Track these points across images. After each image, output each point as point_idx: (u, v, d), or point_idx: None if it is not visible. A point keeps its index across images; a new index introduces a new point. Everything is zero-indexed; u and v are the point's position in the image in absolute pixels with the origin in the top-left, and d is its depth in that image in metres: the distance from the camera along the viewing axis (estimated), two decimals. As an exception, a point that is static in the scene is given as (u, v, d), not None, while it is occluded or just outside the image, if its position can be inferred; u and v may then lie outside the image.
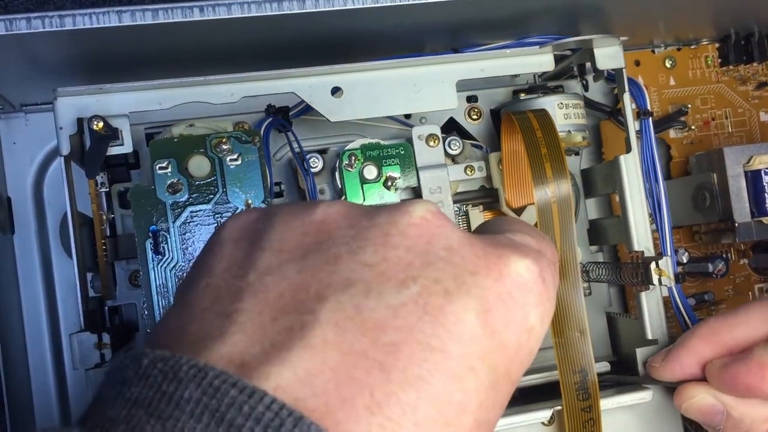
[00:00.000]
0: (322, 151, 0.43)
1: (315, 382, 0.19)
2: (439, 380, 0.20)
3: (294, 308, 0.21)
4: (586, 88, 0.49)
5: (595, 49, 0.42)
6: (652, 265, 0.40)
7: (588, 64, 0.44)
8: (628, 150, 0.42)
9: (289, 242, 0.23)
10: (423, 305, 0.21)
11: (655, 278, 0.40)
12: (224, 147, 0.38)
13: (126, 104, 0.37)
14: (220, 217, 0.38)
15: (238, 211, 0.38)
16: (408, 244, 0.23)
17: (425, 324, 0.21)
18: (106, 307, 0.43)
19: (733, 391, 0.35)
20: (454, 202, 0.43)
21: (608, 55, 0.42)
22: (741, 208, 0.45)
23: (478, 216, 0.44)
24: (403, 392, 0.20)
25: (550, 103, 0.44)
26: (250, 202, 0.38)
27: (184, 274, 0.38)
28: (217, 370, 0.19)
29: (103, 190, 0.41)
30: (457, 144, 0.44)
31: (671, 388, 0.41)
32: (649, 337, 0.41)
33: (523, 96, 0.47)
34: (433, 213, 0.24)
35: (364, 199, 0.41)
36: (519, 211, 0.43)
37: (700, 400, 0.36)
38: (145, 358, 0.20)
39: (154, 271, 0.38)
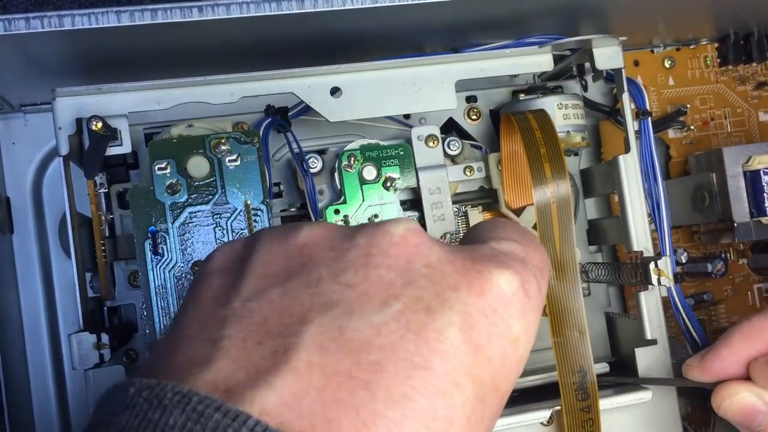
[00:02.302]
0: (321, 152, 0.43)
1: (300, 405, 0.19)
2: (424, 397, 0.21)
3: (278, 332, 0.21)
4: (585, 88, 0.49)
5: (594, 49, 0.42)
6: (651, 266, 0.40)
7: (587, 64, 0.44)
8: (627, 150, 0.42)
9: (273, 266, 0.23)
10: (405, 323, 0.21)
11: (654, 278, 0.40)
12: (223, 147, 0.38)
13: (125, 104, 0.37)
14: (219, 217, 0.38)
15: (235, 211, 0.38)
16: (389, 263, 0.23)
17: (408, 342, 0.21)
18: (105, 308, 0.43)
19: None
20: (454, 202, 0.43)
21: (607, 55, 0.42)
22: (740, 208, 0.45)
23: (478, 217, 0.44)
24: (388, 410, 0.20)
25: (549, 103, 0.44)
26: (249, 202, 0.38)
27: (183, 275, 0.38)
28: (201, 396, 0.19)
29: (102, 190, 0.41)
30: (457, 144, 0.44)
31: (672, 390, 0.41)
32: (648, 337, 0.41)
33: (522, 96, 0.47)
34: (413, 231, 0.24)
35: (363, 200, 0.41)
36: (518, 211, 0.43)
37: (741, 398, 0.35)
38: (131, 387, 0.20)
39: (153, 271, 0.38)
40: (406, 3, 0.38)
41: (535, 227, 0.40)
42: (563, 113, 0.44)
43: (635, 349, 0.41)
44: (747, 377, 0.35)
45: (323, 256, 0.23)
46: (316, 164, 0.42)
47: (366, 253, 0.23)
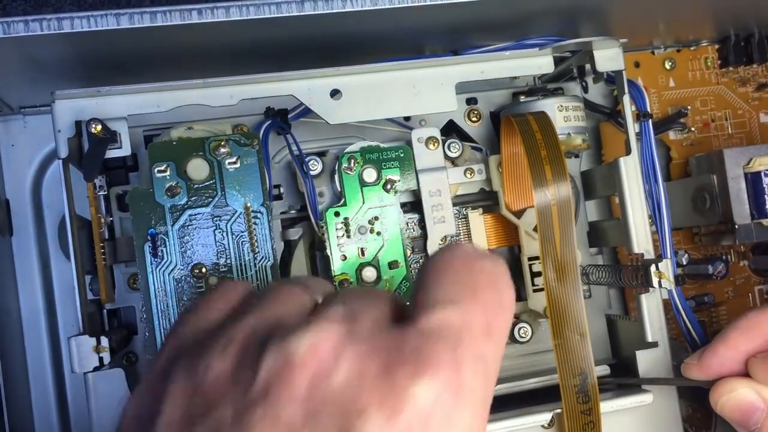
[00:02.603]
0: (321, 154, 0.43)
1: None
2: None
3: None
4: (585, 89, 0.49)
5: (594, 51, 0.42)
6: (652, 268, 0.40)
7: (588, 66, 0.44)
8: (628, 152, 0.41)
9: (178, 413, 0.22)
10: None
11: (655, 281, 0.40)
12: (223, 150, 0.38)
13: (124, 107, 0.37)
14: (219, 220, 0.38)
15: (235, 214, 0.38)
16: (289, 395, 0.21)
17: None
18: (105, 310, 0.43)
19: None
20: (454, 204, 0.43)
21: (608, 57, 0.42)
22: (741, 210, 0.45)
23: (478, 219, 0.44)
24: None
25: (549, 105, 0.44)
26: (249, 205, 0.38)
27: (183, 278, 0.38)
28: None
29: (102, 193, 0.40)
30: (457, 146, 0.44)
31: (673, 392, 0.41)
32: (649, 339, 0.41)
33: (522, 98, 0.47)
34: (319, 343, 0.22)
35: (363, 202, 0.41)
36: (519, 213, 0.43)
37: (740, 395, 0.35)
38: None
39: (152, 274, 0.38)
40: (406, 5, 0.38)
41: (535, 229, 0.40)
42: (564, 115, 0.44)
43: (636, 352, 0.41)
44: (745, 374, 0.35)
45: (227, 394, 0.22)
46: (316, 166, 0.42)
47: (266, 385, 0.21)
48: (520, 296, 0.45)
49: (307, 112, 0.41)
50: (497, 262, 0.26)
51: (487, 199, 0.44)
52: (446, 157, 0.43)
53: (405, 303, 0.26)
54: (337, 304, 0.24)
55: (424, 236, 0.42)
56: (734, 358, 0.36)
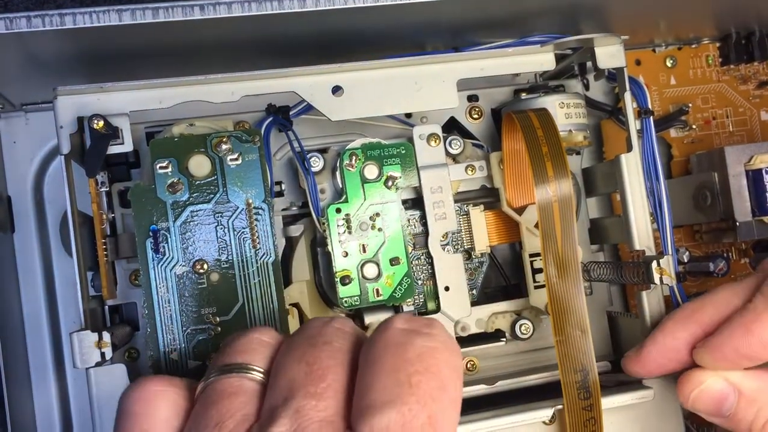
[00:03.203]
0: (322, 151, 0.43)
1: None
2: None
3: None
4: (587, 87, 0.49)
5: (596, 48, 0.42)
6: (654, 265, 0.40)
7: (589, 63, 0.44)
8: (629, 149, 0.42)
9: None
10: None
11: (656, 277, 0.40)
12: (224, 146, 0.38)
13: (126, 103, 0.37)
14: (221, 216, 0.38)
15: (237, 210, 0.38)
16: None
17: None
18: (107, 306, 0.43)
19: (725, 360, 0.34)
20: (455, 201, 0.43)
21: (609, 54, 0.42)
22: (742, 207, 0.45)
23: (479, 215, 0.44)
24: None
25: (551, 102, 0.44)
26: (250, 201, 0.38)
27: (184, 274, 0.38)
28: None
29: (104, 189, 0.40)
30: (458, 143, 0.44)
31: (673, 388, 0.41)
32: (650, 336, 0.41)
33: (524, 95, 0.47)
34: None
35: (365, 199, 0.41)
36: (520, 210, 0.43)
37: (709, 385, 0.35)
38: None
39: (154, 270, 0.38)
40: (407, 2, 0.38)
41: (537, 226, 0.40)
42: (565, 112, 0.44)
43: (637, 348, 0.41)
44: (689, 367, 0.36)
45: None
46: (317, 163, 0.42)
47: None
48: (522, 293, 0.45)
49: (308, 108, 0.41)
50: (431, 335, 0.25)
51: (488, 196, 0.44)
52: (447, 153, 0.43)
53: (365, 337, 0.26)
54: (283, 415, 0.23)
55: (426, 233, 0.42)
56: (674, 348, 0.36)
